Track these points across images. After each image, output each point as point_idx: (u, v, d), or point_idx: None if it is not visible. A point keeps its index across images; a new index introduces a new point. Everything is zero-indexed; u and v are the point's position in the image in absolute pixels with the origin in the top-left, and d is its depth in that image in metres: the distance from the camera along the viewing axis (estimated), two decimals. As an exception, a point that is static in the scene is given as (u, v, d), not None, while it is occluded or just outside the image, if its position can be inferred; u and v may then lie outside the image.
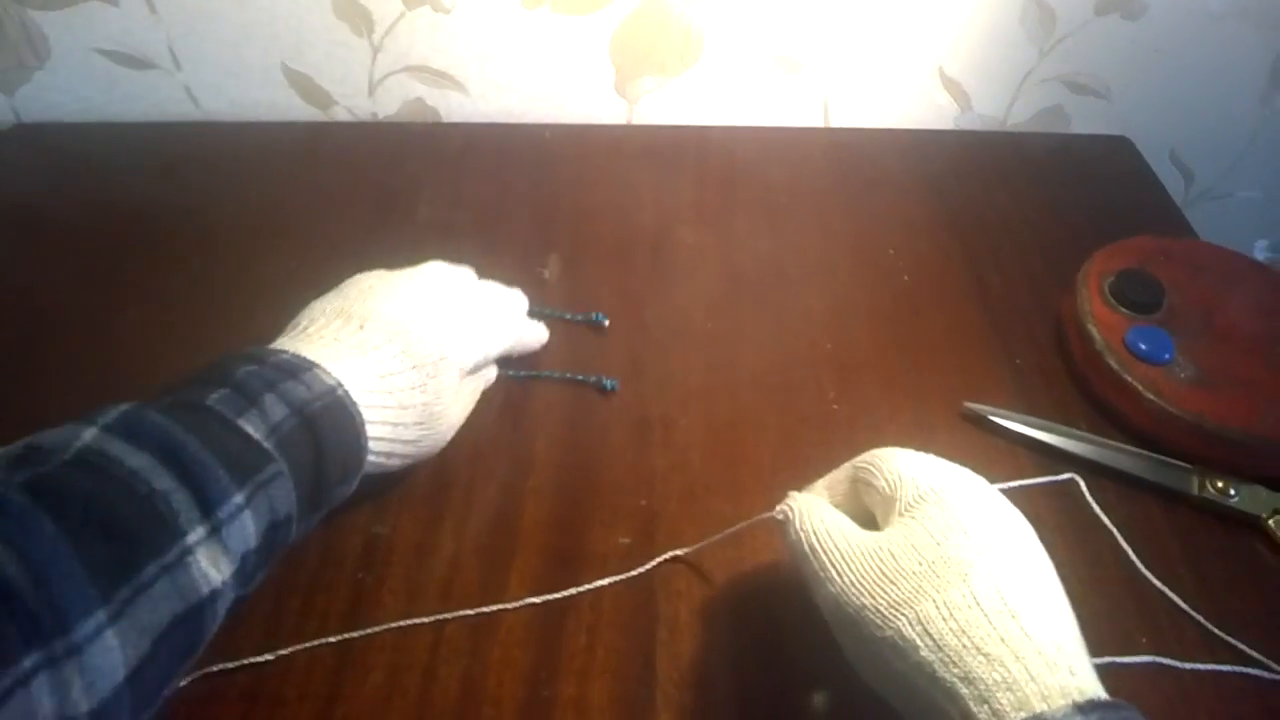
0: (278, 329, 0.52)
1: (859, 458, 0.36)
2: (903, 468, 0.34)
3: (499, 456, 0.46)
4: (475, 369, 0.44)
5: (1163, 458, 0.48)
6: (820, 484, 0.37)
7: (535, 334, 0.51)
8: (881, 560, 0.31)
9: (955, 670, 0.28)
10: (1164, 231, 0.60)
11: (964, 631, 0.28)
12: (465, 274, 0.47)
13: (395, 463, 0.40)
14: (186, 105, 0.69)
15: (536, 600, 0.40)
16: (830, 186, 0.66)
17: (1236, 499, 0.46)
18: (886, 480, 0.34)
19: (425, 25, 0.65)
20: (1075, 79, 0.71)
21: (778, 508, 0.36)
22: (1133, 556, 0.44)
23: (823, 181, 0.67)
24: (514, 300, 0.49)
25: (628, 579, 0.41)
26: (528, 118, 0.71)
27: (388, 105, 0.70)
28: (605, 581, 0.41)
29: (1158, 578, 0.43)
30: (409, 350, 0.39)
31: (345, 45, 0.66)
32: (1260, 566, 0.44)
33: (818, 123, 0.73)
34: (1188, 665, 0.40)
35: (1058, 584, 0.31)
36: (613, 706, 0.37)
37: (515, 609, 0.40)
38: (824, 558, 0.32)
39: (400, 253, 0.57)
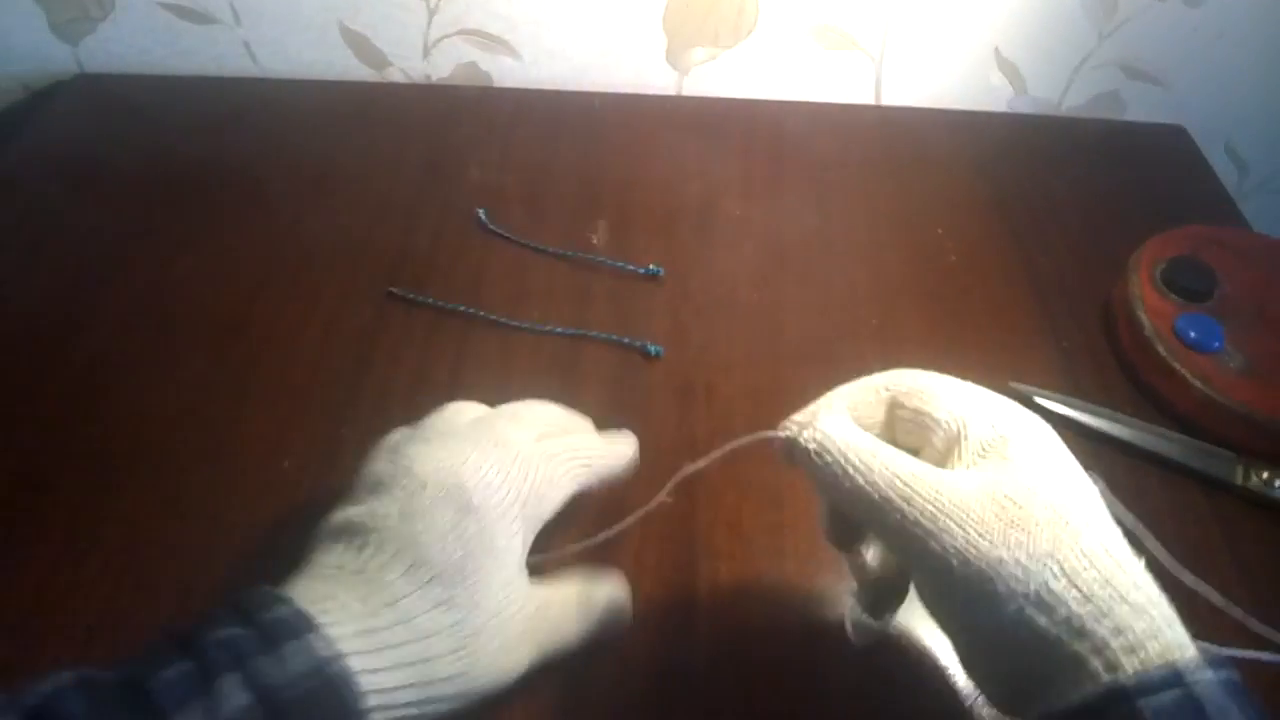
0: (327, 285, 0.54)
1: (888, 378, 0.32)
2: (965, 403, 0.30)
3: (545, 413, 0.47)
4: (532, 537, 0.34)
5: (1208, 446, 0.47)
6: (840, 405, 0.32)
7: (616, 455, 0.39)
8: (1003, 507, 0.27)
9: (1108, 623, 0.26)
10: (1216, 223, 0.60)
11: (1108, 581, 0.26)
12: (501, 415, 0.37)
13: (443, 707, 0.31)
14: (245, 61, 0.70)
15: (576, 548, 0.41)
16: (879, 164, 0.66)
17: (1281, 490, 0.46)
18: (950, 415, 0.30)
19: (482, -11, 0.66)
20: (1133, 64, 0.70)
21: (804, 434, 0.30)
22: (1156, 547, 0.43)
23: (871, 158, 0.66)
24: (576, 425, 0.39)
25: (658, 518, 0.40)
26: (578, 85, 0.71)
27: (441, 68, 0.71)
28: (637, 516, 0.39)
29: (1199, 565, 0.43)
30: (421, 560, 0.31)
31: (402, 7, 0.67)
32: (1302, 558, 0.44)
33: (869, 100, 0.73)
34: (1225, 650, 0.39)
35: None
36: (652, 660, 0.38)
37: (556, 558, 0.41)
38: (930, 506, 0.28)
39: (450, 212, 0.59)
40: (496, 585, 0.32)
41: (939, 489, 0.28)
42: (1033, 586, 0.26)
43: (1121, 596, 0.26)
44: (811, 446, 0.30)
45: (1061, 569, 0.26)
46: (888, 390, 0.32)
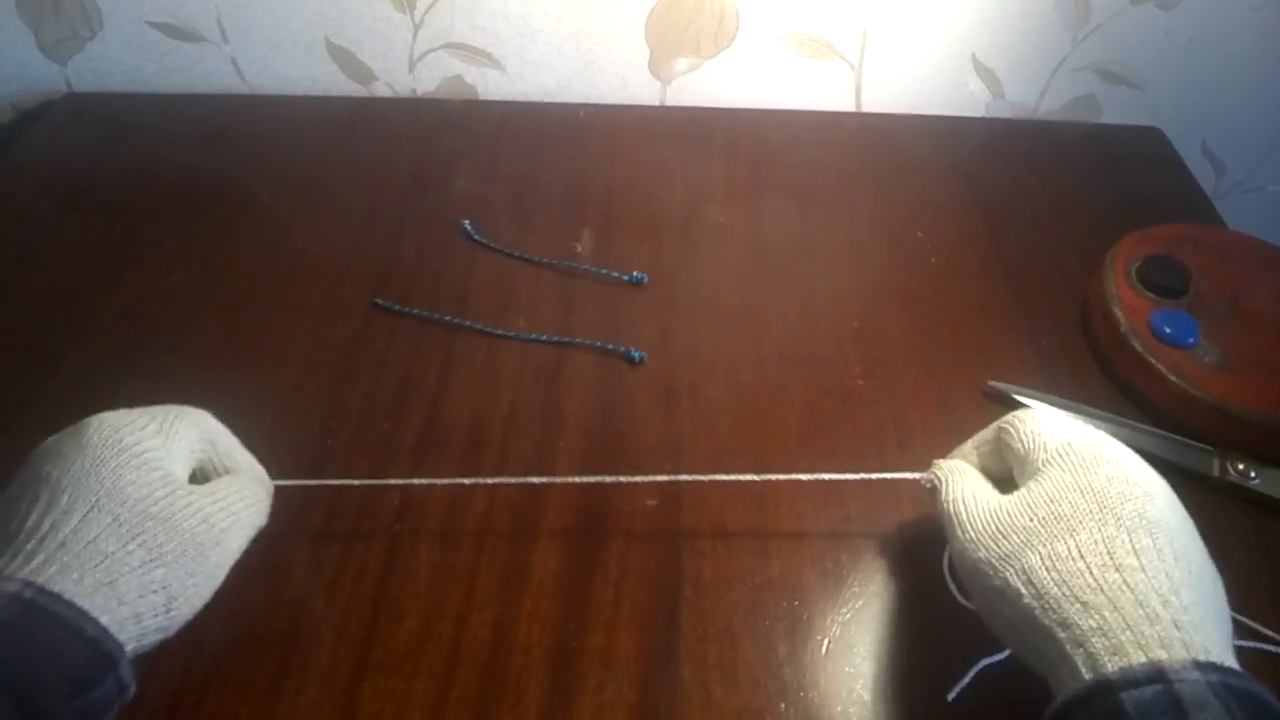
0: (314, 297, 0.54)
1: (1005, 417, 0.38)
2: (1037, 429, 0.36)
3: (531, 418, 0.48)
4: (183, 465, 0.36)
5: (1184, 439, 0.48)
6: (970, 443, 0.40)
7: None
8: (998, 518, 0.34)
9: (1053, 616, 0.29)
10: (1194, 223, 0.60)
11: (1064, 582, 0.30)
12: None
13: (176, 587, 0.32)
14: (232, 78, 0.71)
15: (578, 480, 0.43)
16: (860, 170, 0.67)
17: (1257, 481, 0.46)
18: (1022, 442, 0.36)
19: (466, 3, 0.66)
20: (1108, 68, 0.71)
21: (924, 475, 0.39)
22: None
23: (852, 165, 0.67)
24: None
25: (641, 520, 0.43)
26: (563, 97, 0.72)
27: (427, 82, 0.72)
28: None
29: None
30: (51, 477, 0.33)
31: (387, 22, 0.68)
32: (1279, 548, 0.45)
33: (849, 107, 0.74)
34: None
35: (1191, 549, 0.32)
36: (638, 657, 0.39)
37: (547, 545, 0.42)
38: (955, 520, 0.35)
39: (437, 223, 0.60)
40: (144, 483, 0.33)
41: (968, 507, 0.35)
42: (997, 582, 0.32)
43: (1075, 596, 0.29)
44: (927, 485, 0.39)
45: (1023, 567, 0.31)
46: (998, 427, 0.38)
